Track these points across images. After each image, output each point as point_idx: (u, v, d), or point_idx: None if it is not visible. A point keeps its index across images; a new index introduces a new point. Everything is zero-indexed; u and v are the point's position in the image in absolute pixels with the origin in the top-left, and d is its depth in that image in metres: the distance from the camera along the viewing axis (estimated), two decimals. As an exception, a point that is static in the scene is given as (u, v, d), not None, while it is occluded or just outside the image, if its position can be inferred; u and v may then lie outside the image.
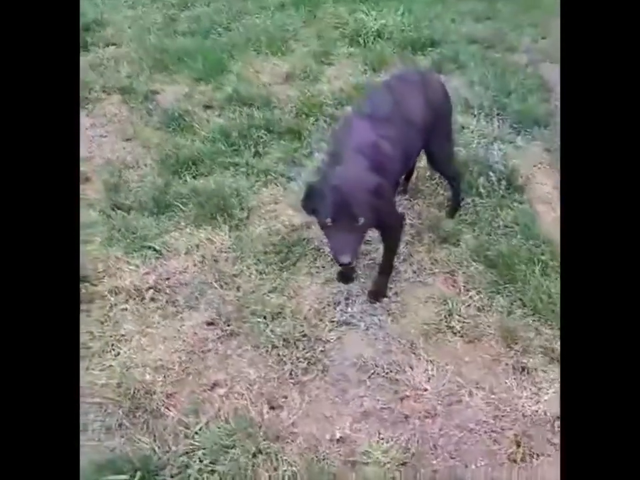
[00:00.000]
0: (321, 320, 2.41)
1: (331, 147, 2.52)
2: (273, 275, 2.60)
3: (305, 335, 2.33)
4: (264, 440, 1.99)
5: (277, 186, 3.12)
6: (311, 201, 2.11)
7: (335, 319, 2.41)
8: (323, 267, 2.65)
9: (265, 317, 2.40)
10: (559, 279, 2.51)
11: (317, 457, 1.96)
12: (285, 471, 1.91)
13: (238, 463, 1.92)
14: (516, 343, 2.32)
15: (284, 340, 2.31)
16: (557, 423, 2.07)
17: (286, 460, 1.94)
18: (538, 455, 1.99)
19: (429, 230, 2.84)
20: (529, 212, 2.92)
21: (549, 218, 2.91)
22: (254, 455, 1.95)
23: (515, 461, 1.97)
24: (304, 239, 2.76)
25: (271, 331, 2.34)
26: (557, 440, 2.02)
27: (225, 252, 2.71)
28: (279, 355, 2.27)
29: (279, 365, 2.24)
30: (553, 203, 2.98)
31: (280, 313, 2.42)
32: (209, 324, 2.39)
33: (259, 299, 2.48)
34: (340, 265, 2.05)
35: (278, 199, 3.03)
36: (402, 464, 1.96)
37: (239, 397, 2.14)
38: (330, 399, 2.15)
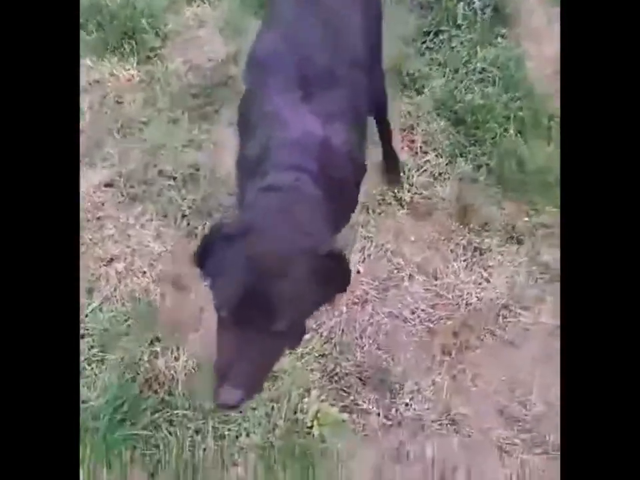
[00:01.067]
0: (244, 184, 2.00)
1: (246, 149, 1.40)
2: (188, 125, 2.12)
3: (221, 205, 1.95)
4: (164, 327, 1.72)
5: (204, 3, 2.46)
6: (206, 262, 1.16)
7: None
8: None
9: (174, 179, 1.99)
10: (535, 143, 2.08)
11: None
12: (187, 362, 1.68)
13: (131, 352, 1.67)
14: (472, 220, 1.97)
15: (197, 209, 1.93)
16: (502, 311, 1.82)
17: (188, 351, 1.69)
18: (475, 348, 1.77)
19: (389, 71, 2.30)
20: (515, 52, 2.36)
21: (538, 61, 2.36)
22: (151, 343, 1.70)
23: (448, 354, 1.75)
24: (231, 78, 2.22)
25: (182, 197, 1.95)
26: (498, 331, 1.79)
27: (131, 92, 2.18)
28: (189, 225, 1.91)
29: (188, 239, 1.89)
30: (545, 42, 2.39)
31: (194, 174, 2.00)
32: (107, 185, 1.98)
33: (169, 155, 2.04)
34: (218, 406, 1.07)
35: (204, 22, 2.40)
36: (321, 355, 1.73)
37: (139, 275, 1.83)
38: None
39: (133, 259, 1.84)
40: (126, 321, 1.72)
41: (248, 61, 1.50)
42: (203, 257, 1.14)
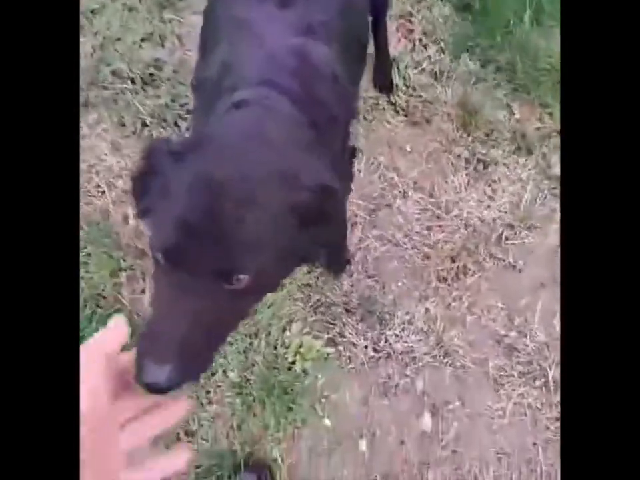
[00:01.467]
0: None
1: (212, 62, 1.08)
2: (147, 14, 1.78)
3: (188, 111, 1.68)
4: (125, 255, 1.53)
5: None
6: (142, 194, 0.83)
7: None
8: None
9: (132, 81, 1.70)
10: (554, 35, 1.77)
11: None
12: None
13: (90, 283, 1.50)
14: (477, 127, 1.72)
15: (159, 116, 1.67)
16: (506, 232, 1.64)
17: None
18: (474, 272, 1.61)
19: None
20: None
21: None
22: (112, 275, 1.52)
23: (444, 280, 1.59)
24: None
25: (141, 102, 1.68)
26: (500, 254, 1.62)
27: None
28: (152, 135, 1.66)
29: (151, 152, 1.65)
30: None
31: (154, 75, 1.71)
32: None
33: (126, 50, 1.73)
34: (145, 386, 0.62)
35: None
36: (305, 285, 1.56)
37: (97, 195, 1.61)
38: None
39: (89, 176, 1.62)
40: (85, 248, 1.52)
41: None
42: (141, 185, 0.82)
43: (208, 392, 1.44)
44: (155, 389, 0.62)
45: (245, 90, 0.94)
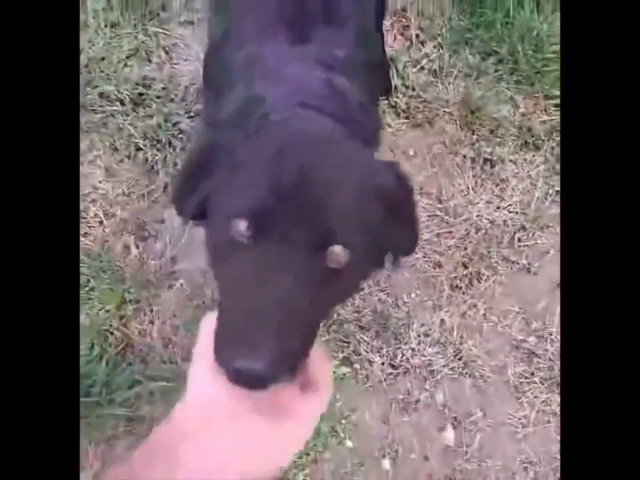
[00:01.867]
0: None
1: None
2: (132, 29, 1.71)
3: (181, 131, 1.61)
4: (129, 287, 1.49)
5: None
6: (200, 179, 0.76)
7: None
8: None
9: (122, 102, 1.63)
10: (557, 20, 1.70)
11: (204, 303, 1.50)
12: (163, 325, 1.48)
13: (97, 318, 1.46)
14: (481, 125, 1.66)
15: (152, 138, 1.60)
16: (518, 234, 1.59)
17: (163, 312, 1.48)
18: (487, 277, 1.56)
19: None
20: None
21: None
22: (118, 309, 1.48)
23: (458, 288, 1.55)
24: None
25: (132, 124, 1.61)
26: (514, 257, 1.58)
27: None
28: (147, 159, 1.60)
29: (148, 175, 1.59)
30: None
31: (144, 94, 1.64)
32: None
33: (112, 70, 1.66)
34: (237, 374, 0.54)
35: None
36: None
37: (95, 225, 1.56)
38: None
39: (86, 206, 1.56)
40: (87, 283, 1.48)
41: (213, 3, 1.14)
42: (199, 171, 0.75)
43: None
44: (252, 379, 0.54)
45: (280, 113, 0.88)
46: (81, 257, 1.50)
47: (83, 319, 1.45)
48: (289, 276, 0.60)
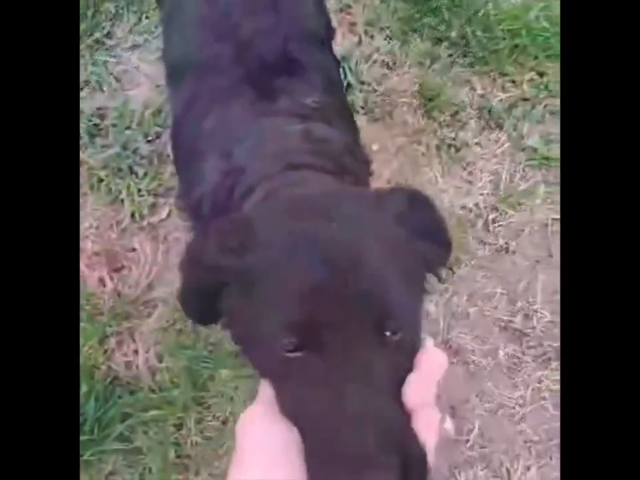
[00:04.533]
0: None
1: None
2: (81, 59, 1.68)
3: (143, 157, 1.59)
4: (109, 320, 1.47)
5: None
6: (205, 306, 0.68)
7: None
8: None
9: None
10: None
11: (186, 326, 1.48)
12: (148, 353, 1.46)
13: (81, 355, 1.44)
14: (441, 111, 1.66)
15: (112, 168, 1.59)
16: (491, 215, 1.59)
17: (145, 341, 1.47)
18: (467, 262, 1.56)
19: None
20: None
21: None
22: (100, 343, 1.46)
23: (439, 277, 1.54)
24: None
25: (91, 156, 1.59)
26: (490, 239, 1.57)
27: None
28: (110, 190, 1.58)
29: (113, 206, 1.57)
30: None
31: (100, 125, 1.63)
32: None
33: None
34: None
35: None
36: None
37: (67, 263, 1.54)
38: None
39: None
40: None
41: (168, 71, 1.09)
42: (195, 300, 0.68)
43: (223, 444, 1.40)
44: None
45: (267, 183, 0.81)
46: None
47: (66, 359, 1.43)
48: (368, 378, 0.53)
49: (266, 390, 0.57)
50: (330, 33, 1.49)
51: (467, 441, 1.42)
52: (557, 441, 1.40)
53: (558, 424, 1.42)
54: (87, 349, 1.44)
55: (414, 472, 0.50)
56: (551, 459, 1.39)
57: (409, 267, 0.62)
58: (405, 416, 0.53)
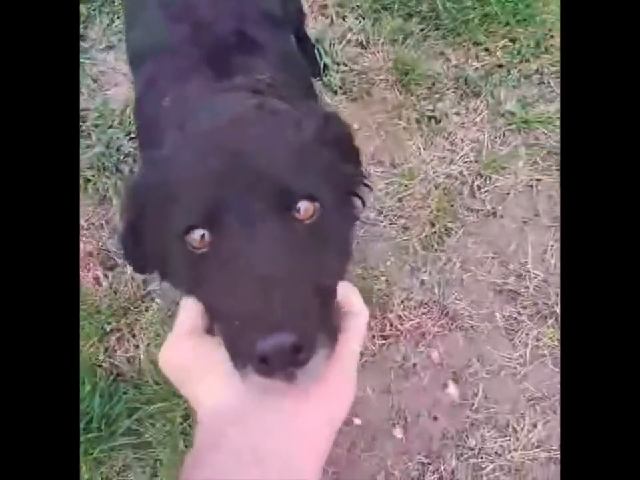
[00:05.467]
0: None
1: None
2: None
3: (127, 156, 1.60)
4: (108, 318, 1.47)
5: None
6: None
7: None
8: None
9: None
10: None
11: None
12: (149, 346, 1.46)
13: (83, 355, 1.45)
14: (418, 85, 1.68)
15: (98, 167, 1.59)
16: (476, 182, 1.61)
17: (146, 335, 1.47)
18: (456, 230, 1.57)
19: None
20: None
21: None
22: (101, 341, 1.46)
23: (431, 247, 1.56)
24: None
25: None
26: (477, 205, 1.59)
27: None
28: (98, 189, 1.58)
29: (103, 206, 1.58)
30: None
31: (82, 126, 1.63)
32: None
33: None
34: (268, 357, 0.47)
35: None
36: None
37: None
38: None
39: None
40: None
41: (130, 56, 1.13)
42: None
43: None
44: (287, 355, 0.46)
45: None
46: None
47: (67, 359, 1.43)
48: (271, 248, 0.54)
49: (181, 319, 0.57)
50: (301, 17, 1.52)
51: (472, 404, 1.44)
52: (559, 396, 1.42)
53: (559, 379, 1.44)
54: (88, 348, 1.45)
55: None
56: (555, 414, 1.41)
57: (326, 173, 0.65)
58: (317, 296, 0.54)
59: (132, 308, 1.48)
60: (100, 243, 1.54)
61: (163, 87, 0.99)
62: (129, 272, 1.52)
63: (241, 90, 0.92)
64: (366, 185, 0.78)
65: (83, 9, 1.75)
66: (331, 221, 0.63)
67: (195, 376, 0.52)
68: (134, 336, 1.47)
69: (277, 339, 0.46)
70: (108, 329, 1.47)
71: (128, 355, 1.46)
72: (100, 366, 1.44)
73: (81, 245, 1.55)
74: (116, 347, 1.46)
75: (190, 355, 0.53)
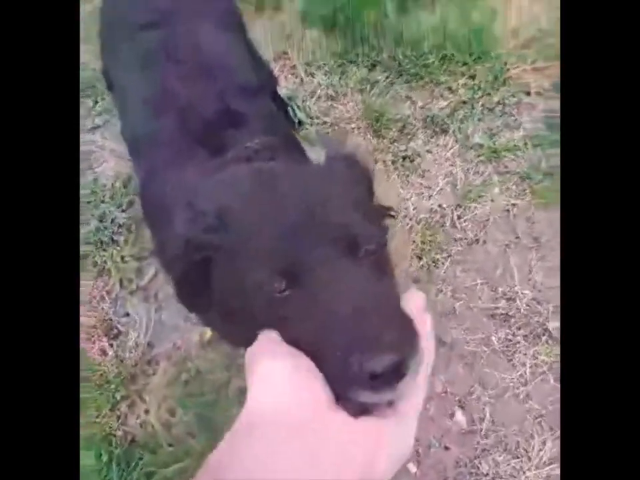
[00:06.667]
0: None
1: None
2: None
3: (121, 227, 1.68)
4: (117, 387, 1.51)
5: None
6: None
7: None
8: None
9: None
10: (417, 14, 1.84)
11: (191, 377, 1.53)
12: (159, 410, 1.50)
13: (96, 425, 1.48)
14: (389, 128, 1.77)
15: (94, 242, 1.66)
16: (456, 212, 1.68)
17: (155, 399, 1.51)
18: (443, 261, 1.64)
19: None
20: None
21: None
22: (113, 410, 1.50)
23: (420, 280, 1.62)
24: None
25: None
26: (459, 234, 1.66)
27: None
28: (96, 262, 1.65)
29: (100, 277, 1.64)
30: None
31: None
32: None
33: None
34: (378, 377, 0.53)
35: None
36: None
37: (66, 341, 1.59)
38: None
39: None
40: (74, 397, 1.50)
41: (127, 146, 1.20)
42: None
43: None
44: (391, 372, 0.52)
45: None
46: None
47: (82, 432, 1.46)
48: (354, 284, 0.60)
49: (265, 334, 0.61)
50: (272, 81, 1.62)
51: (481, 430, 1.47)
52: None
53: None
54: (101, 418, 1.48)
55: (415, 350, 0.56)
56: (561, 428, 1.44)
57: (365, 209, 0.73)
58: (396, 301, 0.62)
59: (139, 373, 1.52)
60: (102, 315, 1.60)
61: (162, 176, 1.05)
62: (132, 338, 1.57)
63: (235, 162, 0.96)
64: (391, 216, 0.87)
65: (67, 95, 1.85)
66: (382, 252, 0.71)
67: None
68: (144, 401, 1.50)
69: (385, 358, 0.52)
70: (118, 397, 1.50)
71: (140, 420, 1.49)
72: (114, 435, 1.47)
73: (84, 319, 1.60)
74: (128, 414, 1.49)
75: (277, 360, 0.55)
